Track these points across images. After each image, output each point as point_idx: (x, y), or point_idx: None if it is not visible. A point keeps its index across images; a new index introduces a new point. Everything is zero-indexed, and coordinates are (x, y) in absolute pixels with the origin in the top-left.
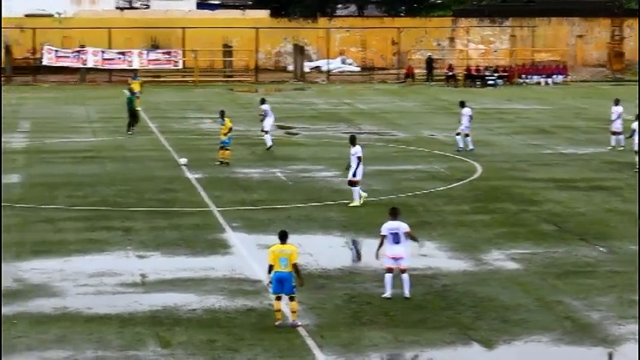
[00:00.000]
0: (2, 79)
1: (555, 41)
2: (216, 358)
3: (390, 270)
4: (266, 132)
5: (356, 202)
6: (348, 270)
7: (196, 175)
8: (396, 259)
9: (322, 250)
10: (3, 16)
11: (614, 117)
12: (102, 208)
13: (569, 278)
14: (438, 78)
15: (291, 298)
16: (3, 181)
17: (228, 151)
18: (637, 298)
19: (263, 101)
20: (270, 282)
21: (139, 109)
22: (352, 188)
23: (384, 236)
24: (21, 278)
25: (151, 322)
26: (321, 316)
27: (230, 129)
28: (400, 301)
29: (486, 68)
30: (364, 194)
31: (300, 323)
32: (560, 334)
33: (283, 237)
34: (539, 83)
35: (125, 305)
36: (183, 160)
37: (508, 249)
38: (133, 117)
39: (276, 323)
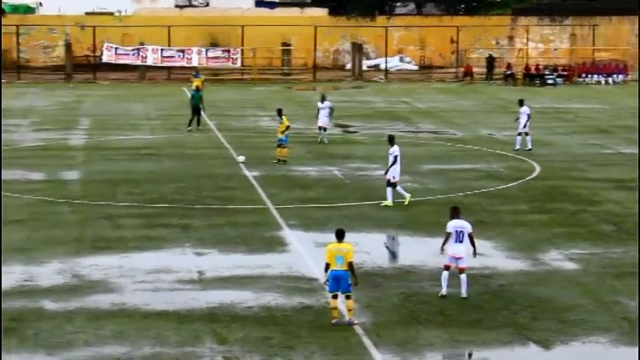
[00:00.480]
0: (65, 76)
1: (616, 40)
2: (272, 356)
3: (447, 268)
4: (324, 129)
5: (388, 202)
6: (405, 269)
7: (254, 173)
8: (456, 258)
9: (378, 249)
10: (64, 13)
11: None
12: (160, 205)
13: (626, 279)
14: (497, 77)
15: (348, 297)
16: (63, 177)
17: (285, 149)
18: None
19: (324, 98)
20: (327, 280)
21: (201, 106)
22: (387, 187)
23: (449, 233)
24: (79, 274)
25: (208, 319)
26: (377, 314)
27: (287, 127)
28: (456, 301)
29: (546, 67)
30: (408, 195)
31: (356, 321)
32: (619, 335)
33: (340, 235)
34: (599, 82)
35: (182, 302)
36: (241, 158)
37: (566, 249)
38: (197, 114)
39: (333, 321)
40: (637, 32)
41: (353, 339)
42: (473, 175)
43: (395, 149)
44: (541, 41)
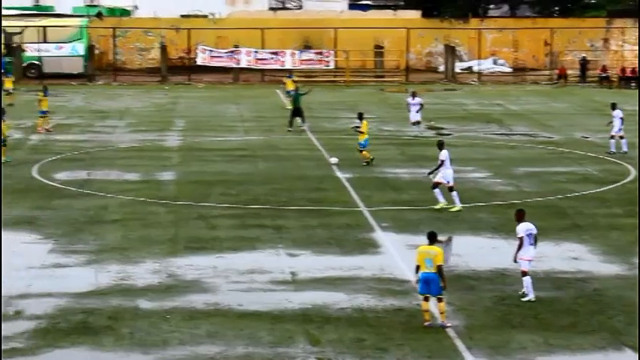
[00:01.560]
0: (160, 78)
1: None
2: (364, 357)
3: (526, 273)
4: (417, 123)
5: (458, 207)
6: (499, 272)
7: (346, 175)
8: (532, 261)
9: (472, 251)
10: (159, 16)
11: None
12: (254, 206)
13: None
14: (591, 79)
15: (439, 299)
16: (158, 178)
17: (365, 152)
18: None
19: (414, 95)
20: (418, 282)
21: (289, 107)
22: (451, 193)
23: (522, 238)
24: (175, 274)
25: (301, 320)
26: (470, 317)
27: (363, 132)
28: (550, 304)
29: None
30: (443, 201)
31: (449, 324)
32: None
33: (431, 238)
34: None
35: (276, 302)
36: (333, 160)
37: None
38: (297, 115)
39: (425, 324)
40: None
41: (445, 341)
42: (567, 177)
43: (443, 154)
44: (637, 43)
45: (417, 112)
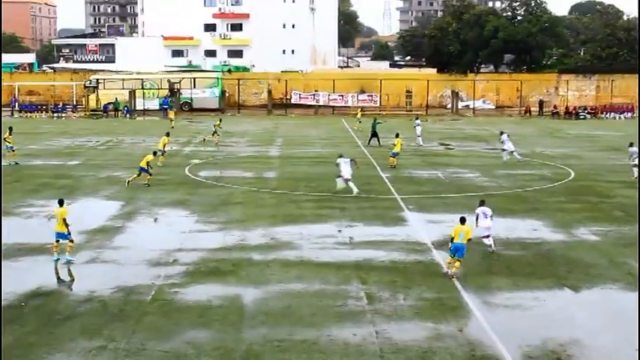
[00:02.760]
0: (267, 111)
1: (627, 90)
2: (396, 292)
3: (488, 236)
4: (418, 136)
5: (355, 191)
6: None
7: (386, 175)
8: (488, 228)
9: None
10: (267, 71)
11: None
12: (326, 194)
13: (632, 247)
14: (546, 114)
15: (459, 260)
16: (265, 176)
17: (392, 158)
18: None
19: (417, 117)
20: (450, 248)
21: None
22: (348, 183)
23: (478, 214)
24: (275, 237)
25: (355, 268)
26: (464, 267)
27: (395, 145)
28: (517, 259)
29: (579, 107)
30: (356, 190)
31: (454, 275)
32: (625, 284)
33: (463, 220)
34: (615, 118)
35: (339, 256)
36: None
37: (591, 227)
38: (374, 136)
39: (444, 271)
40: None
41: (449, 283)
42: (530, 177)
43: (340, 160)
44: (576, 90)
45: (415, 127)
